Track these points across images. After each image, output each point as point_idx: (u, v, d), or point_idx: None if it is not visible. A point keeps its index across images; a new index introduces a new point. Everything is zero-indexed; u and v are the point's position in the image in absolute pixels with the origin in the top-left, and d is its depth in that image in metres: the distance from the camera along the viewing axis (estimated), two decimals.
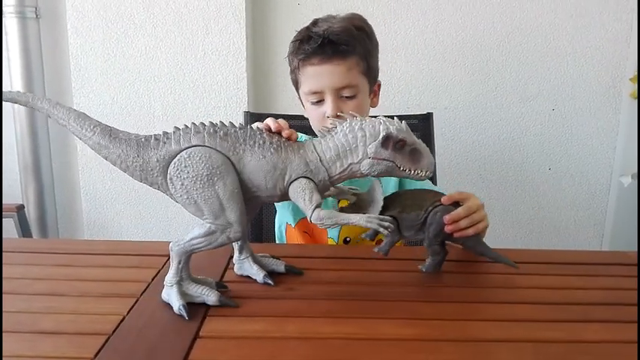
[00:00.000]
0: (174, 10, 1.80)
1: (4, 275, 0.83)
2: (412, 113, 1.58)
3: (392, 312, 0.75)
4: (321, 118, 1.12)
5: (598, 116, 1.96)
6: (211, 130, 0.73)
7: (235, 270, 0.85)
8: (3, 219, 1.69)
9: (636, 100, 1.88)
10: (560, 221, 2.06)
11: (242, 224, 0.73)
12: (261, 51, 1.93)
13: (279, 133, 0.79)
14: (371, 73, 1.17)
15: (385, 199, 0.81)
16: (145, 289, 0.80)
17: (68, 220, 2.08)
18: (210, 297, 0.75)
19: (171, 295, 0.74)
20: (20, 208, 1.80)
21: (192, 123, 0.74)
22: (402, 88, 1.92)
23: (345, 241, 1.17)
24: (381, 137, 0.73)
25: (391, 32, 1.88)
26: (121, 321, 0.71)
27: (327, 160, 0.75)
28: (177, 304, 0.73)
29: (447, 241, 0.87)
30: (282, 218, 1.23)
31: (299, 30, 1.15)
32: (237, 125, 0.75)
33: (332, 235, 1.17)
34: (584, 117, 1.96)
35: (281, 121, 0.82)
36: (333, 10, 1.18)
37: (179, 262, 0.74)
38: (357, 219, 0.73)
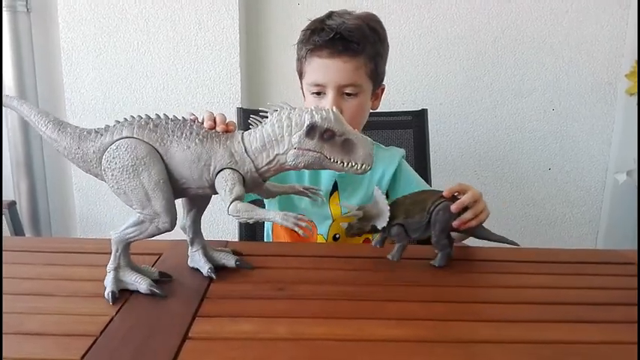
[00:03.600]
0: (167, 5, 1.78)
1: None
2: (407, 109, 1.56)
3: (383, 312, 0.74)
4: None
5: (593, 113, 1.96)
6: (142, 122, 0.74)
7: (188, 262, 0.86)
8: None
9: (631, 97, 1.87)
10: (555, 218, 2.06)
11: (170, 214, 0.74)
12: (255, 46, 1.92)
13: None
14: (376, 76, 1.15)
15: (390, 206, 0.84)
16: (135, 289, 0.78)
17: (61, 217, 2.07)
18: (142, 285, 0.76)
19: (107, 281, 0.76)
20: (12, 205, 1.78)
21: (131, 116, 0.75)
22: (396, 83, 1.91)
23: (335, 238, 1.16)
24: (305, 127, 0.70)
25: (386, 27, 1.86)
26: (109, 322, 0.70)
27: (253, 151, 0.74)
28: (107, 290, 0.75)
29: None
30: None
31: (312, 19, 1.14)
32: (171, 117, 0.76)
33: (322, 232, 1.16)
34: (579, 113, 1.96)
35: (218, 117, 0.79)
36: (330, 8, 1.16)
37: (117, 250, 0.76)
38: (272, 215, 0.71)
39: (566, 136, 1.98)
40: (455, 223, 0.87)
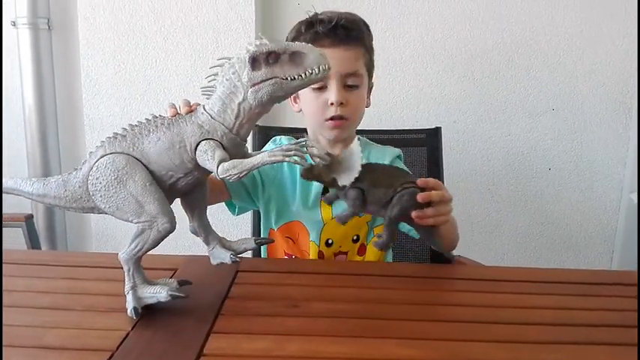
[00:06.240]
0: (185, 23, 1.81)
1: (8, 288, 0.83)
2: (420, 127, 1.57)
3: (396, 331, 0.74)
4: (322, 106, 1.10)
5: (608, 132, 1.95)
6: (111, 139, 0.76)
7: (211, 261, 0.86)
8: (11, 229, 1.69)
9: None
10: (570, 237, 2.04)
11: (166, 214, 0.74)
12: None
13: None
14: (371, 69, 1.17)
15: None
16: (151, 305, 0.79)
17: (77, 230, 2.09)
18: (161, 294, 0.76)
19: (128, 301, 0.76)
20: (29, 218, 1.80)
21: (101, 141, 0.77)
22: (410, 101, 1.92)
23: (327, 244, 1.15)
24: (247, 62, 0.71)
25: (399, 45, 1.88)
26: (125, 337, 0.71)
27: (218, 114, 0.74)
28: (129, 308, 0.75)
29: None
30: (266, 224, 1.21)
31: (299, 21, 1.14)
32: (135, 123, 0.77)
33: (313, 238, 1.15)
34: (594, 133, 1.95)
35: (181, 102, 0.81)
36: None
37: (128, 270, 0.76)
38: (260, 159, 0.70)
39: (581, 155, 1.97)
40: (414, 214, 0.83)
